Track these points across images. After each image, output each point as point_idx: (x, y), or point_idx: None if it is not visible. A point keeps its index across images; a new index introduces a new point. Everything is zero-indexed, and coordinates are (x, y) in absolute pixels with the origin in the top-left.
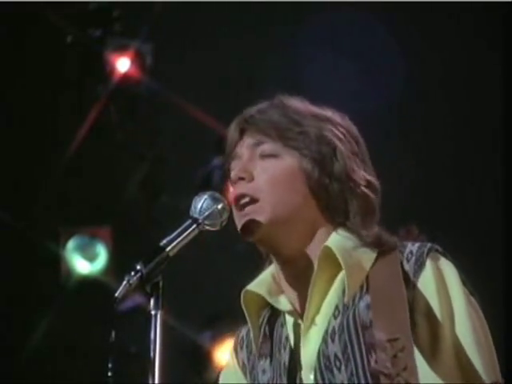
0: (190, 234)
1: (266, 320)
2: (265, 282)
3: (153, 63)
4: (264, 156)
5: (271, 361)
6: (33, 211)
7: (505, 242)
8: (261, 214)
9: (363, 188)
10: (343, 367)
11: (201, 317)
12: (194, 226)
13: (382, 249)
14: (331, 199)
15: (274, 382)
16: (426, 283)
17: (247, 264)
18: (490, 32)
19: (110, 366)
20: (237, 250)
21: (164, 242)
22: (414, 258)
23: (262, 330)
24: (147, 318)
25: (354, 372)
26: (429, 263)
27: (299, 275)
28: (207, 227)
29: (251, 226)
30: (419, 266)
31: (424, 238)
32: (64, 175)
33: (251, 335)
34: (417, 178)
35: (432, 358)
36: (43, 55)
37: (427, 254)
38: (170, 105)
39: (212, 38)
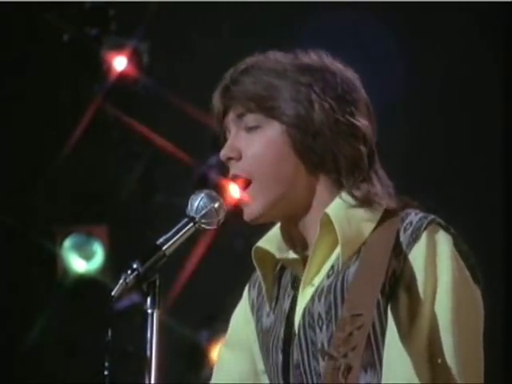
0: (186, 232)
1: (280, 265)
2: (274, 237)
3: (149, 62)
4: (248, 128)
5: (276, 305)
6: (28, 210)
7: (505, 243)
8: (257, 198)
9: (347, 138)
10: (324, 327)
11: (198, 316)
12: (191, 224)
13: (385, 213)
14: (319, 158)
15: (275, 327)
16: (417, 256)
17: (245, 262)
18: (490, 32)
19: (106, 364)
20: (234, 248)
21: (161, 240)
22: (411, 228)
23: (276, 273)
24: (144, 317)
25: (334, 333)
26: (424, 236)
27: (302, 237)
28: (204, 226)
29: (252, 214)
30: (414, 239)
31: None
32: (60, 173)
33: (263, 285)
34: (416, 178)
35: (407, 334)
36: (39, 54)
37: (426, 227)
38: (166, 103)
39: (210, 37)
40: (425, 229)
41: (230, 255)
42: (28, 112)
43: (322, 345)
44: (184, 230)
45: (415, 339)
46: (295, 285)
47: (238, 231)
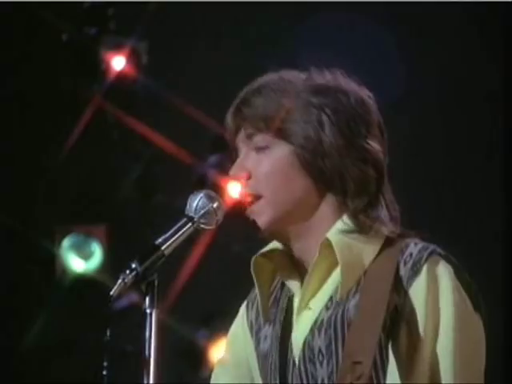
0: (185, 232)
1: (279, 285)
2: (274, 249)
3: (148, 61)
4: (257, 148)
5: (273, 329)
6: (27, 210)
7: (505, 243)
8: (264, 213)
9: (356, 161)
10: (325, 362)
11: (197, 315)
12: (190, 224)
13: (386, 241)
14: (327, 179)
15: (271, 352)
16: (418, 291)
17: (243, 262)
18: (490, 32)
19: (104, 364)
20: (233, 248)
21: (159, 240)
22: (411, 261)
23: (274, 294)
24: (142, 317)
25: (334, 370)
26: (425, 270)
27: (303, 258)
28: (202, 226)
29: (258, 226)
30: (415, 272)
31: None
32: (59, 173)
33: (259, 300)
34: (416, 178)
35: (407, 370)
36: (38, 53)
37: (426, 259)
38: (165, 103)
39: (209, 37)
40: (425, 261)
41: (229, 255)
42: (27, 112)
43: (323, 380)
44: (183, 230)
45: (415, 375)
46: (288, 309)
47: (236, 231)
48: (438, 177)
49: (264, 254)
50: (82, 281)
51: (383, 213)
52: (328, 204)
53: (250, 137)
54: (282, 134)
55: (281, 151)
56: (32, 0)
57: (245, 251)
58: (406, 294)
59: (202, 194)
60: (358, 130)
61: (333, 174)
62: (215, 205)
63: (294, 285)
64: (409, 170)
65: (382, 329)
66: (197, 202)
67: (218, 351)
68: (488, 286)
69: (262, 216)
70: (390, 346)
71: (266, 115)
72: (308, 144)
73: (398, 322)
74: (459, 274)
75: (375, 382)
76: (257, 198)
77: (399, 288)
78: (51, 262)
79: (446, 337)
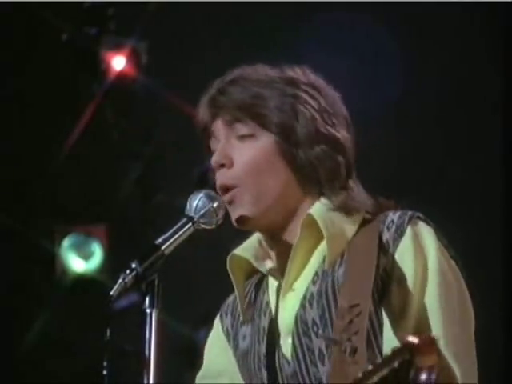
0: (185, 232)
1: (252, 286)
2: (251, 246)
3: (148, 61)
4: (240, 137)
5: (252, 327)
6: (27, 210)
7: (504, 244)
8: (245, 207)
9: (327, 149)
10: (320, 332)
11: (196, 315)
12: (190, 224)
13: (365, 218)
14: (302, 169)
15: (253, 347)
16: (404, 251)
17: None
18: (490, 32)
19: (105, 364)
20: (233, 248)
21: (159, 240)
22: (394, 226)
23: (248, 296)
24: (142, 317)
25: (334, 324)
26: (409, 230)
27: (284, 244)
28: (203, 226)
29: (239, 220)
30: (399, 235)
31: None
32: (59, 173)
33: (237, 300)
34: (416, 178)
35: (398, 324)
36: (38, 53)
37: (408, 222)
38: (165, 103)
39: (209, 37)
40: (408, 223)
41: (228, 254)
42: (27, 112)
43: (320, 350)
44: (183, 230)
45: (406, 328)
46: (270, 299)
47: (236, 230)
48: (437, 177)
49: (240, 250)
50: (82, 281)
51: (355, 194)
52: (305, 192)
53: (229, 124)
54: (262, 122)
55: (265, 139)
56: (32, 0)
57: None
58: (392, 256)
59: (202, 194)
60: (327, 120)
61: (306, 163)
62: (215, 205)
63: (274, 273)
64: (409, 170)
65: (374, 289)
66: (197, 201)
67: None
68: (488, 287)
69: (244, 209)
70: (383, 307)
71: (244, 102)
72: (284, 131)
73: (388, 283)
74: (439, 237)
75: (374, 342)
76: (236, 186)
77: (385, 251)
78: (51, 262)
79: (433, 291)
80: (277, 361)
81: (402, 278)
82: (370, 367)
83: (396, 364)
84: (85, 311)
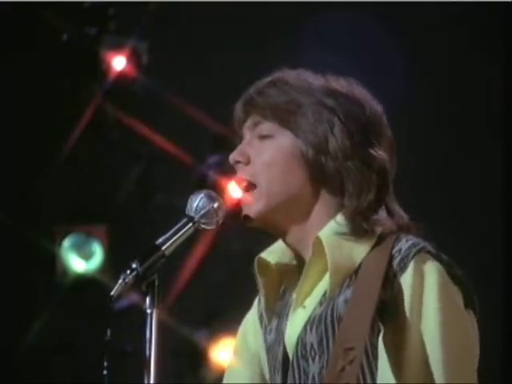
0: (185, 232)
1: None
2: (277, 249)
3: (149, 61)
4: (261, 137)
5: (278, 323)
6: (28, 210)
7: (505, 244)
8: (259, 201)
9: (360, 165)
10: (317, 358)
11: (197, 315)
12: (190, 224)
13: (379, 238)
14: (327, 179)
15: (274, 347)
16: (403, 287)
17: (243, 263)
18: (490, 32)
19: (105, 364)
20: (234, 248)
21: (160, 240)
22: (399, 257)
23: (282, 288)
24: (143, 317)
25: (325, 365)
26: (411, 266)
27: (299, 252)
28: (203, 226)
29: (250, 214)
30: (401, 268)
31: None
32: (59, 173)
33: (262, 299)
34: (416, 178)
35: (394, 364)
36: (38, 54)
37: (413, 256)
38: (166, 103)
39: (209, 37)
40: (412, 258)
41: (229, 255)
42: (27, 112)
43: (313, 377)
44: (183, 230)
45: (403, 369)
46: (290, 305)
47: (237, 231)
48: (437, 177)
49: (266, 254)
50: (83, 281)
51: (384, 217)
52: (322, 201)
53: (256, 124)
54: (289, 125)
55: (284, 140)
56: (32, 0)
57: (245, 252)
58: (392, 288)
59: (202, 195)
60: (367, 138)
61: (333, 174)
62: (216, 205)
63: (292, 282)
64: (409, 170)
65: (371, 322)
66: (197, 202)
67: (218, 351)
68: (488, 287)
69: (254, 205)
70: (377, 339)
71: (277, 105)
72: (314, 140)
73: (384, 317)
74: (450, 271)
75: (367, 370)
76: (252, 185)
77: (386, 283)
78: (52, 262)
79: (430, 331)
80: (289, 372)
81: (397, 314)
82: None
83: None
84: (85, 311)
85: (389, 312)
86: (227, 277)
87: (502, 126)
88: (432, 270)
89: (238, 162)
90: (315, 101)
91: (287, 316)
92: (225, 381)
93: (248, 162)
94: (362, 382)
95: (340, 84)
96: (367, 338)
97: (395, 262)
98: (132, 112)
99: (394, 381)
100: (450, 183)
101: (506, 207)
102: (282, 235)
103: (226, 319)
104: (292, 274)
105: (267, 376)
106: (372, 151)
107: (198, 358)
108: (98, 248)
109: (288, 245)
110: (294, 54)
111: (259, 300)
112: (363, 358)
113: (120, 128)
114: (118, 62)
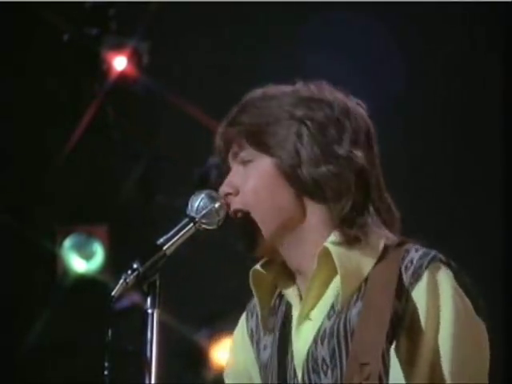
0: (186, 232)
1: (277, 295)
2: (274, 262)
3: (149, 62)
4: (243, 162)
5: (273, 339)
6: (29, 210)
7: (505, 244)
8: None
9: (335, 169)
10: (330, 372)
11: (198, 315)
12: (191, 224)
13: (385, 248)
14: (309, 189)
15: (272, 363)
16: (418, 298)
17: (244, 263)
18: (490, 32)
19: (106, 364)
20: (234, 248)
21: (161, 240)
22: (412, 268)
23: (273, 303)
24: (144, 317)
25: (339, 379)
26: (426, 276)
27: (298, 267)
28: (204, 226)
29: (251, 246)
30: (415, 279)
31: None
32: (60, 174)
33: (258, 312)
34: (416, 178)
35: (409, 376)
36: (39, 54)
37: (427, 266)
38: (166, 103)
39: (210, 37)
40: (426, 268)
41: (230, 255)
42: (28, 112)
43: None
44: (184, 230)
45: (417, 380)
46: (287, 318)
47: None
48: (437, 177)
49: (262, 266)
50: (84, 281)
51: (372, 219)
52: (314, 213)
53: (236, 154)
54: (263, 148)
55: (263, 163)
56: (33, 0)
57: (246, 252)
58: (406, 300)
59: (203, 195)
60: (337, 139)
61: (312, 183)
62: (217, 205)
63: (292, 295)
64: (408, 171)
65: (385, 335)
66: (198, 202)
67: (219, 351)
68: (488, 287)
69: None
70: (391, 351)
71: (247, 131)
72: (287, 155)
73: (398, 329)
74: (460, 279)
75: (384, 381)
76: (247, 214)
77: (400, 294)
78: (53, 262)
79: (446, 342)
80: None
81: (413, 325)
82: None
83: None
84: (86, 311)
85: (403, 324)
86: (227, 277)
87: (502, 126)
88: (446, 280)
89: (228, 194)
90: (285, 115)
91: (280, 332)
92: None
93: (237, 193)
94: None
95: (309, 90)
96: (382, 352)
97: (408, 273)
98: (133, 112)
99: None
100: (450, 183)
101: (506, 207)
102: (283, 253)
103: (226, 319)
104: (289, 284)
105: None
106: (344, 152)
107: (198, 357)
108: (98, 248)
109: (287, 261)
110: (294, 54)
111: (248, 318)
112: (380, 372)
113: (121, 128)
114: (119, 63)
